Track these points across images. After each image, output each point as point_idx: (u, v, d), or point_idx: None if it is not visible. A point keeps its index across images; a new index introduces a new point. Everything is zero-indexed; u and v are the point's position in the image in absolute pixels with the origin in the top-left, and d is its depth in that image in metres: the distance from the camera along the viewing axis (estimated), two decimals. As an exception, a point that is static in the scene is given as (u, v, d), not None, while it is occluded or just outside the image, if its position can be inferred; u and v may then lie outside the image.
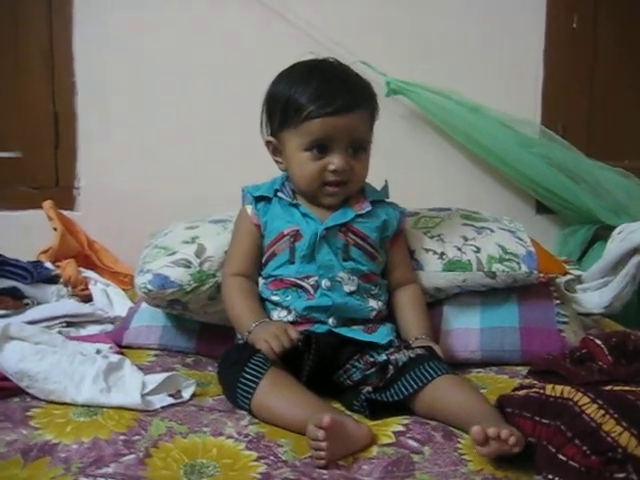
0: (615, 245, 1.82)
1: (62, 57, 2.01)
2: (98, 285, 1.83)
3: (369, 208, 1.32)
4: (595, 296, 1.80)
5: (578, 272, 1.84)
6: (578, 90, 2.11)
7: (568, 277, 1.70)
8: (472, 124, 1.99)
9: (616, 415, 0.89)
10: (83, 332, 1.53)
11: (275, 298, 1.27)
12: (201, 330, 1.46)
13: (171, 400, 1.15)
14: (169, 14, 2.00)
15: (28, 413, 1.09)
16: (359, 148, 1.28)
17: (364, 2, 2.03)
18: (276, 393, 1.09)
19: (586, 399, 0.93)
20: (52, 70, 2.02)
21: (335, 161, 1.25)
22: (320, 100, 1.22)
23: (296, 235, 1.28)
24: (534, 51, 2.08)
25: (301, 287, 1.26)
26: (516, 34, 2.06)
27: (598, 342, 1.15)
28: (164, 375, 1.17)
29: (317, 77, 1.25)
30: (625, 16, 2.11)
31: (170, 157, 2.04)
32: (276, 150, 1.32)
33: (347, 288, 1.26)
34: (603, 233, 1.97)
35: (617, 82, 2.13)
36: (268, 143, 1.33)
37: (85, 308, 1.63)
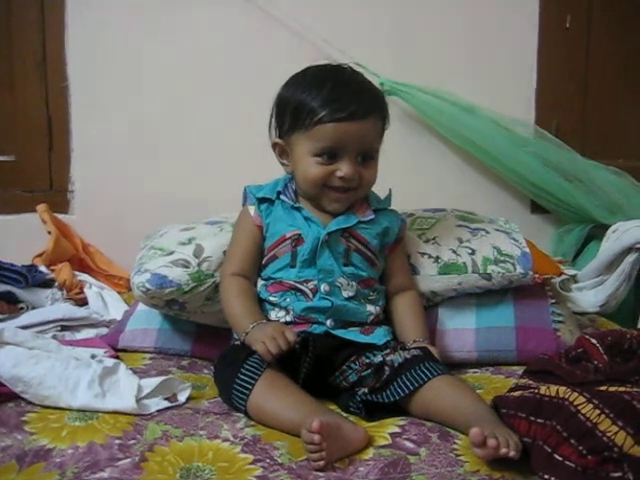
0: (610, 244, 1.82)
1: (55, 61, 2.00)
2: (93, 288, 1.83)
3: (372, 216, 1.32)
4: (590, 295, 1.80)
5: (573, 271, 1.84)
6: (572, 89, 2.11)
7: (563, 276, 1.71)
8: (466, 124, 1.99)
9: (612, 415, 0.89)
10: (78, 336, 1.53)
11: (273, 299, 1.27)
12: (197, 333, 1.45)
13: (167, 404, 1.14)
14: (163, 16, 1.99)
15: (23, 418, 1.09)
16: (368, 156, 1.27)
17: (356, 2, 2.02)
18: (272, 395, 1.09)
19: (582, 399, 0.93)
20: (45, 74, 2.01)
21: (344, 168, 1.24)
22: (333, 105, 1.21)
23: (298, 239, 1.27)
24: (528, 51, 2.07)
25: (300, 290, 1.26)
26: (509, 34, 2.06)
27: (594, 341, 1.15)
28: (160, 379, 1.17)
29: (331, 82, 1.24)
30: (618, 16, 2.10)
31: (165, 160, 2.03)
32: (283, 152, 1.31)
33: (345, 293, 1.26)
34: (598, 232, 1.97)
35: (611, 81, 2.13)
36: (275, 145, 1.32)
37: (80, 312, 1.62)
